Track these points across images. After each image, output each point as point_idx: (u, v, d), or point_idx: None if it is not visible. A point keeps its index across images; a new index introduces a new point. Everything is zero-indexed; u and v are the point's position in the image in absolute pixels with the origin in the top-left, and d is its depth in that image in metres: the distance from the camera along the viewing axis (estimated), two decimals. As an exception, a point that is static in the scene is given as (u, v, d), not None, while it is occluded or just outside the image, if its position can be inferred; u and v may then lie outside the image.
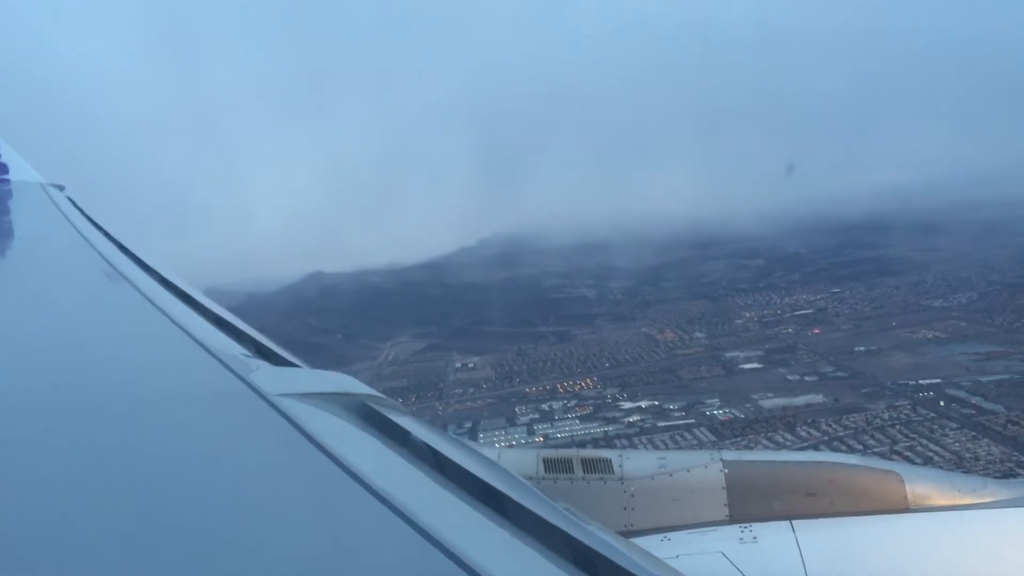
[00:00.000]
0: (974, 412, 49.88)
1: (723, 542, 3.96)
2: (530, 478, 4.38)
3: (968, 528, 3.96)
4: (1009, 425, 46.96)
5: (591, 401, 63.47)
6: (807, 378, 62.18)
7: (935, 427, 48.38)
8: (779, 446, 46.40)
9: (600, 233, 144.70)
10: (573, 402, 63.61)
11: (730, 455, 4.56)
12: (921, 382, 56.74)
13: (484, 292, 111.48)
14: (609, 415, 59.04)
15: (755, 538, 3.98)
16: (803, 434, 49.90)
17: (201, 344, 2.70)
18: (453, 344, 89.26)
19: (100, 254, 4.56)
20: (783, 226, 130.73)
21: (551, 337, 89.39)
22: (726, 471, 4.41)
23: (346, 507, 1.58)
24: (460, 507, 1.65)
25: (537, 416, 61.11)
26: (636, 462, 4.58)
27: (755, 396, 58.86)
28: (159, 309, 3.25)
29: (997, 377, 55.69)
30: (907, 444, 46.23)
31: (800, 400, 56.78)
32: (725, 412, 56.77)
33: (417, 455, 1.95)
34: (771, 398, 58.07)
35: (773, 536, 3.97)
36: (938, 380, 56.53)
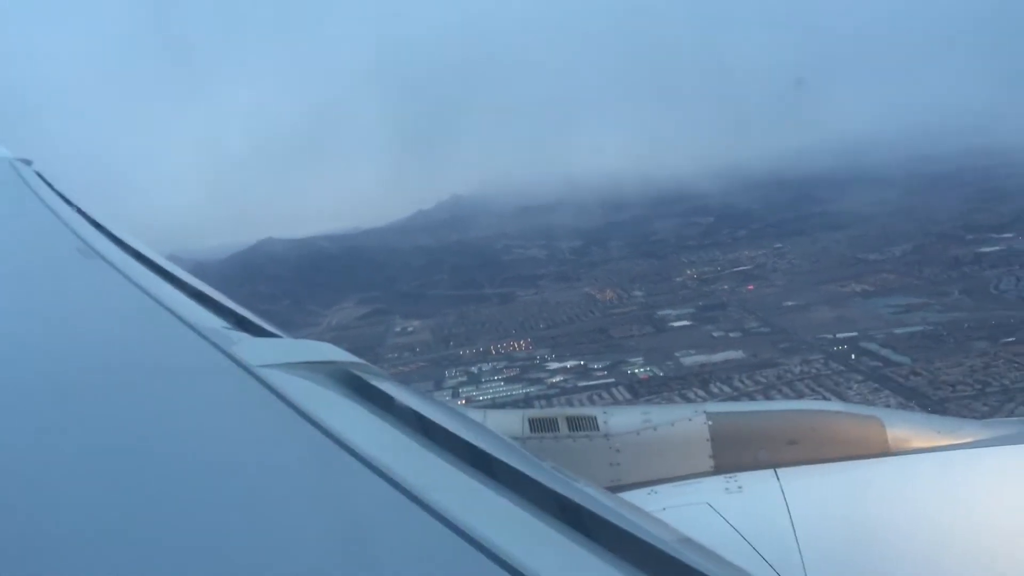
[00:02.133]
0: (881, 364, 50.56)
1: (709, 493, 4.00)
2: (516, 438, 4.37)
3: (947, 468, 4.01)
4: (911, 376, 47.69)
5: (520, 363, 63.81)
6: (731, 334, 62.66)
7: (841, 380, 49.05)
8: (690, 404, 47.04)
9: (555, 193, 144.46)
10: (503, 364, 63.91)
11: (714, 407, 4.59)
12: (838, 336, 57.32)
13: (434, 255, 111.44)
14: (534, 376, 59.38)
15: (740, 488, 4.02)
16: (715, 391, 50.39)
17: (180, 318, 2.66)
18: (397, 308, 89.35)
19: (72, 229, 4.38)
20: (736, 183, 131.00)
21: (494, 299, 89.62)
22: (710, 423, 4.43)
23: (335, 475, 1.59)
24: (448, 470, 1.67)
25: (464, 379, 61.37)
26: (621, 418, 4.59)
27: (678, 354, 59.33)
28: (135, 284, 3.17)
29: (910, 329, 56.32)
30: (812, 399, 46.81)
31: (719, 357, 57.32)
32: (645, 371, 57.24)
33: (403, 421, 1.96)
34: (692, 355, 58.54)
35: (758, 485, 4.01)
36: (855, 334, 57.08)
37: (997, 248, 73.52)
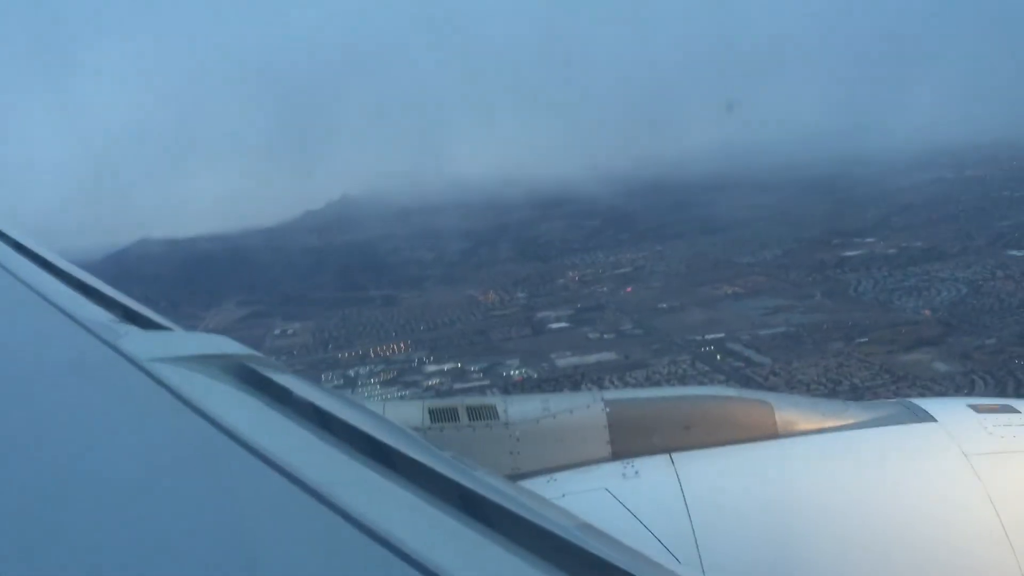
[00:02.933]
0: (743, 365, 52.28)
1: (606, 478, 4.03)
2: (416, 429, 4.29)
3: (831, 448, 4.13)
4: (771, 376, 49.39)
5: (398, 365, 63.41)
6: (606, 336, 63.73)
7: (705, 380, 50.27)
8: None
9: (445, 195, 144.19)
10: (380, 367, 63.40)
11: (611, 394, 4.55)
12: (707, 337, 58.93)
13: (319, 257, 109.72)
14: (411, 379, 59.04)
15: (637, 472, 4.04)
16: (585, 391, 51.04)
17: (63, 311, 2.48)
18: (277, 311, 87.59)
19: None
20: (622, 187, 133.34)
21: (378, 301, 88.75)
22: (607, 409, 4.42)
23: (231, 472, 1.52)
24: (346, 462, 1.61)
25: (341, 382, 60.58)
26: (521, 407, 4.55)
27: (553, 355, 59.99)
28: (14, 276, 2.99)
29: (774, 330, 58.37)
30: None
31: (593, 358, 58.20)
32: (520, 372, 57.69)
33: (300, 414, 1.85)
34: (567, 357, 59.28)
35: (653, 469, 4.04)
36: (722, 335, 58.82)
37: (859, 252, 77.00)
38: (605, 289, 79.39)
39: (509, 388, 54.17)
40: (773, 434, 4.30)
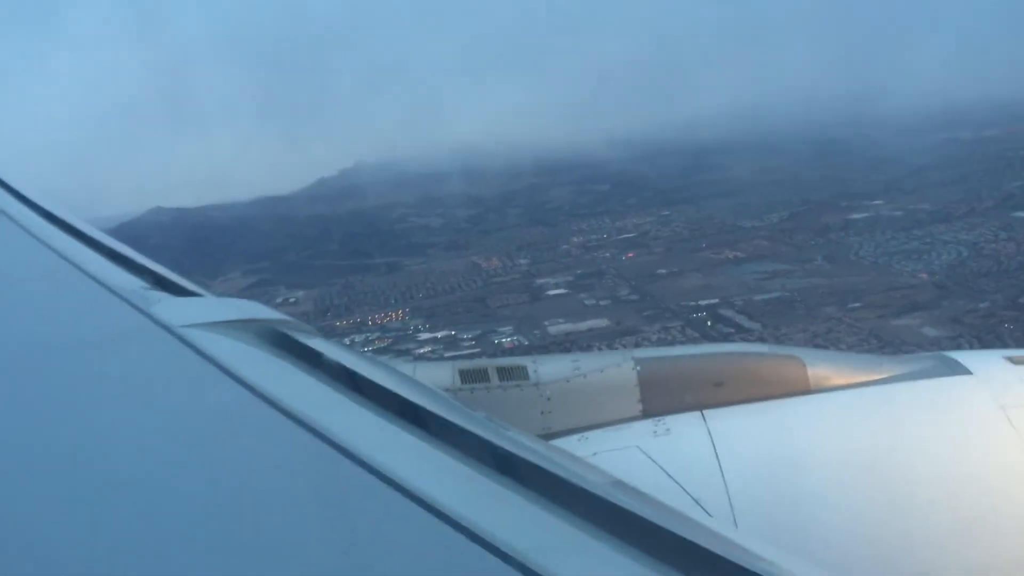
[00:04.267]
0: (733, 331, 51.76)
1: (638, 436, 4.04)
2: (447, 390, 4.28)
3: (864, 403, 4.11)
4: (758, 343, 48.98)
5: (393, 333, 63.63)
6: (602, 302, 63.41)
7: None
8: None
9: (456, 161, 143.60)
10: (376, 335, 63.68)
11: (641, 353, 4.56)
12: (700, 302, 58.51)
13: (328, 224, 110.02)
14: (403, 347, 59.19)
15: (668, 430, 4.04)
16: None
17: (96, 280, 2.53)
18: (282, 279, 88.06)
19: None
20: (633, 151, 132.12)
21: (382, 268, 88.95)
22: (638, 368, 4.41)
23: (266, 435, 1.55)
24: (380, 424, 1.63)
25: (337, 350, 60.96)
26: (551, 366, 4.56)
27: (546, 323, 59.83)
28: (47, 245, 3.03)
29: (769, 295, 57.77)
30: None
31: (585, 325, 58.01)
32: (512, 340, 57.62)
33: (333, 377, 1.89)
34: (560, 323, 59.12)
35: (685, 427, 4.03)
36: (716, 300, 58.39)
37: (865, 215, 75.79)
38: (607, 255, 78.95)
39: (498, 356, 54.15)
40: (805, 389, 4.26)
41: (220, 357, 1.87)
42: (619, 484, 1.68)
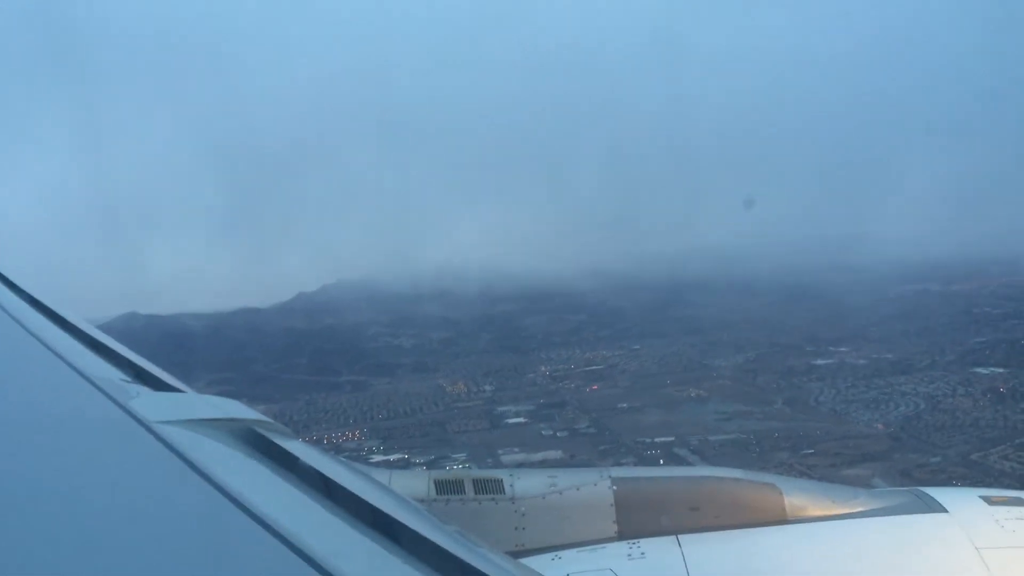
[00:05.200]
0: (684, 471, 51.25)
1: (612, 559, 4.00)
2: (422, 500, 4.20)
3: (842, 536, 4.08)
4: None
5: (347, 453, 62.51)
6: (559, 433, 62.95)
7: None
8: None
9: (436, 283, 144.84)
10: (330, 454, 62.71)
11: (618, 472, 4.51)
12: (656, 439, 58.10)
13: (301, 339, 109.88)
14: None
15: (643, 554, 4.01)
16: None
17: (75, 369, 2.51)
18: (247, 391, 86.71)
19: None
20: (613, 283, 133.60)
21: (347, 386, 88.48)
22: (615, 488, 4.39)
23: (233, 536, 1.52)
24: (350, 533, 1.61)
25: (287, 467, 59.96)
26: (527, 481, 4.52)
27: (501, 451, 59.17)
28: (28, 331, 3.01)
29: (725, 437, 57.54)
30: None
31: (539, 456, 57.22)
32: (464, 467, 56.78)
33: (306, 481, 1.87)
34: (515, 453, 58.40)
35: (660, 551, 4.01)
36: (672, 438, 57.96)
37: (830, 361, 76.21)
38: (572, 385, 78.74)
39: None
40: (782, 519, 4.24)
41: (194, 456, 1.84)
42: None
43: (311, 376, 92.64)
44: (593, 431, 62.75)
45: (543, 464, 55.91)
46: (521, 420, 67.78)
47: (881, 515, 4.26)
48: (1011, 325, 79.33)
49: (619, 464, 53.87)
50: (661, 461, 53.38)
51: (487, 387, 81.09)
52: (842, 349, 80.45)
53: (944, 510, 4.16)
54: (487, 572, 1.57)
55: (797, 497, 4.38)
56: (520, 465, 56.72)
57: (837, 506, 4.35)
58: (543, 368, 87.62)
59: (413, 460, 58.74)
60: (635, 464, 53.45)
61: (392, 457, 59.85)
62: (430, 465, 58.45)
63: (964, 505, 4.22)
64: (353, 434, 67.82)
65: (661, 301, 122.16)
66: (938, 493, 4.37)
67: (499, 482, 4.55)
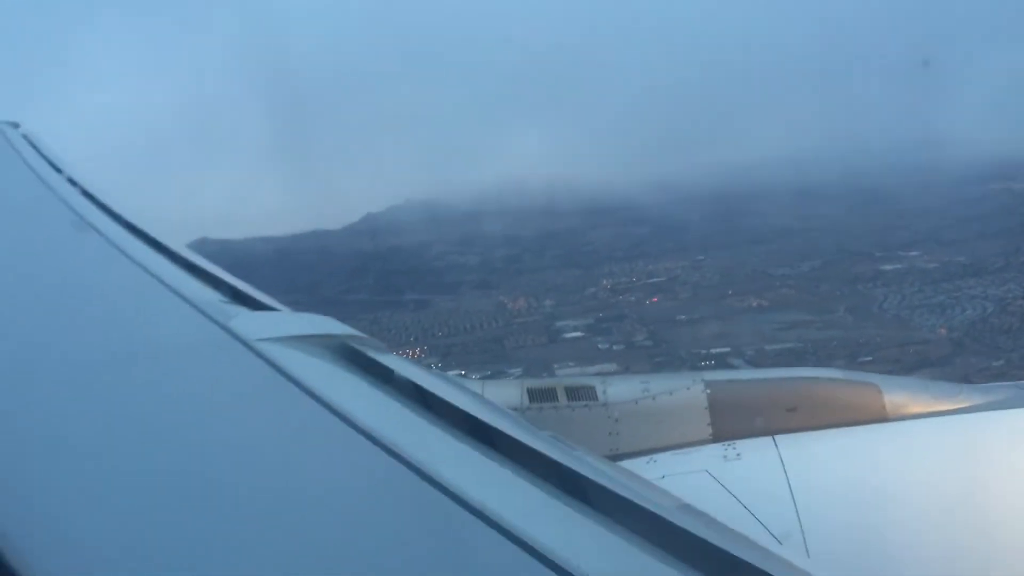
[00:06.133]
0: (736, 381, 50.79)
1: (707, 461, 4.04)
2: (515, 409, 4.38)
3: (944, 433, 4.08)
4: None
5: (407, 370, 63.92)
6: (615, 347, 62.95)
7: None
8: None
9: (504, 200, 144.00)
10: (389, 371, 64.01)
11: (711, 375, 4.64)
12: (712, 351, 57.60)
13: (367, 260, 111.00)
14: (412, 385, 59.42)
15: (738, 455, 4.07)
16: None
17: (177, 292, 2.67)
18: (312, 313, 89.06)
19: (63, 200, 4.34)
20: (677, 195, 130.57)
21: (411, 305, 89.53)
22: (708, 391, 4.44)
23: (337, 448, 1.63)
24: (448, 441, 1.70)
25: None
26: (619, 387, 4.64)
27: (556, 366, 59.43)
28: (130, 258, 3.16)
29: (781, 346, 56.63)
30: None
31: (593, 369, 57.23)
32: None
33: (404, 393, 1.99)
34: (569, 367, 58.64)
35: (756, 452, 4.07)
36: (728, 349, 57.37)
37: (898, 266, 73.91)
38: (633, 299, 78.25)
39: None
40: (882, 417, 4.22)
41: (294, 371, 1.91)
42: (688, 508, 1.68)
43: (375, 296, 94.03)
44: (650, 343, 62.55)
45: (595, 377, 56.02)
46: (579, 334, 67.94)
47: (985, 410, 4.15)
48: (1096, 221, 75.65)
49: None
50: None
51: (547, 303, 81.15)
52: (912, 253, 77.93)
53: None
54: (583, 474, 1.56)
55: (897, 395, 4.26)
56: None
57: (939, 402, 4.23)
58: (605, 282, 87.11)
59: (470, 375, 59.45)
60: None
61: (450, 374, 60.72)
62: (485, 381, 58.94)
63: None
64: (413, 352, 68.78)
65: (726, 211, 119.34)
66: None
67: (591, 389, 4.55)
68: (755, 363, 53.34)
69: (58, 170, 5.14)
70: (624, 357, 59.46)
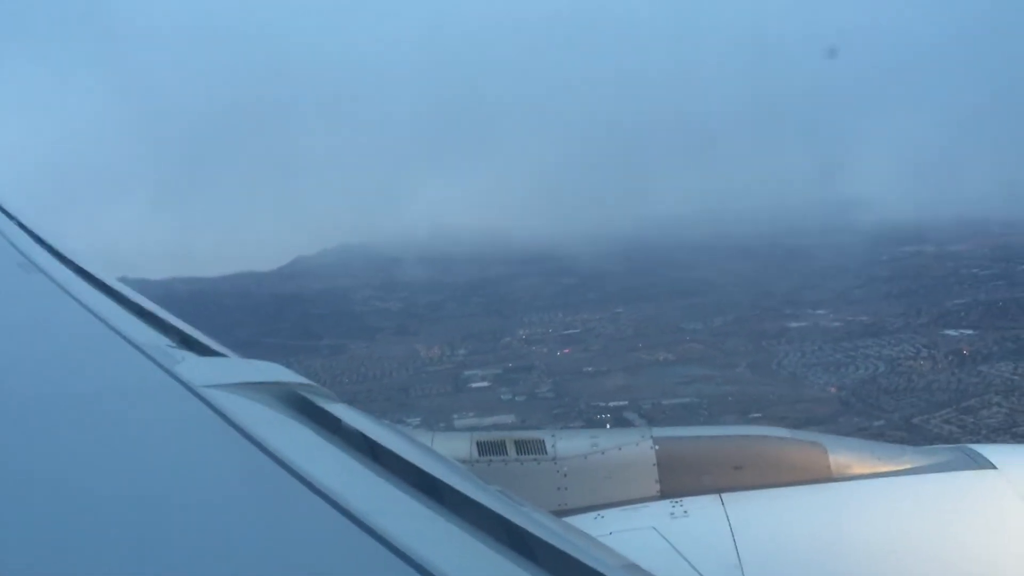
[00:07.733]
0: (627, 435, 51.02)
1: (655, 517, 4.00)
2: (464, 461, 4.26)
3: (887, 494, 4.08)
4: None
5: (306, 417, 63.17)
6: (518, 398, 62.99)
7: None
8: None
9: (433, 247, 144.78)
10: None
11: (660, 431, 4.59)
12: (610, 404, 57.95)
13: (289, 303, 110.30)
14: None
15: (686, 512, 4.00)
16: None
17: (123, 336, 2.56)
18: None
19: (11, 242, 4.23)
20: (610, 247, 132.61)
21: (325, 350, 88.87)
22: (656, 447, 4.38)
23: (279, 498, 1.55)
24: (394, 493, 1.64)
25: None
26: (569, 442, 4.57)
27: (455, 415, 59.21)
28: (77, 300, 3.06)
29: (678, 400, 57.22)
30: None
31: (489, 420, 57.24)
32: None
33: (351, 443, 1.90)
34: (469, 417, 58.47)
35: (703, 510, 3.99)
36: (626, 402, 57.75)
37: (804, 324, 75.43)
38: (545, 349, 78.66)
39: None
40: (827, 477, 4.20)
41: (240, 419, 1.84)
42: (634, 568, 1.66)
43: (292, 340, 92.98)
44: (551, 395, 62.71)
45: (492, 427, 55.87)
46: (485, 384, 67.91)
47: (927, 472, 4.22)
48: (994, 286, 78.13)
49: (564, 428, 53.82)
50: (607, 426, 53.14)
51: (461, 351, 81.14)
52: (819, 312, 79.75)
53: (992, 466, 4.09)
54: (529, 530, 1.55)
55: (842, 455, 4.30)
56: (470, 428, 56.66)
57: (883, 464, 4.29)
58: (521, 332, 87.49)
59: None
60: (582, 427, 53.34)
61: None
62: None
63: (1013, 461, 4.17)
64: (317, 398, 68.21)
65: (652, 263, 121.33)
66: (986, 450, 4.29)
67: (541, 443, 4.55)
68: (648, 417, 53.63)
69: (6, 214, 5.15)
70: (524, 408, 59.49)
